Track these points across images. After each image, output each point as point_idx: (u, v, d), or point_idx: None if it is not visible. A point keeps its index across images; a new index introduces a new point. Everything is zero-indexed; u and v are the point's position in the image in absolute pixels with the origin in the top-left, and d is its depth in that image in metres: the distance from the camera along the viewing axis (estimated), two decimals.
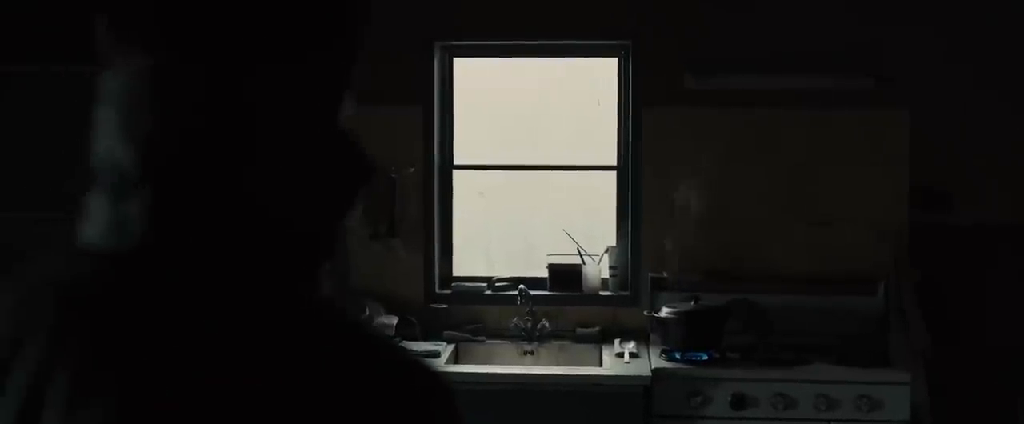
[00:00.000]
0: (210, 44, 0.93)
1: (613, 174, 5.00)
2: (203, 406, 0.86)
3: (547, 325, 4.77)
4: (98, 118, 0.97)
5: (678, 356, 4.38)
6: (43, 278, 0.98)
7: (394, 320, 4.66)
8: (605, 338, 4.74)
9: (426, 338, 4.70)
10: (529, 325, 4.75)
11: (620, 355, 4.47)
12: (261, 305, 0.92)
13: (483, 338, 4.81)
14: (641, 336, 4.68)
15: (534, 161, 5.09)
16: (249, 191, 0.94)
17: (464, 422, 0.95)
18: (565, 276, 4.89)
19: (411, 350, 1.04)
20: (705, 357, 4.36)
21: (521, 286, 4.80)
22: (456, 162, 5.07)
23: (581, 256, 4.91)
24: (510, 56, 5.10)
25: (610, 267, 4.91)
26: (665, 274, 4.76)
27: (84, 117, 1.00)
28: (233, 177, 0.93)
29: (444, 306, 4.90)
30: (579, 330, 4.81)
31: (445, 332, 4.77)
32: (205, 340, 0.89)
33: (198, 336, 0.89)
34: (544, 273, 4.94)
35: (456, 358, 4.67)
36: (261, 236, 0.94)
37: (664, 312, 4.47)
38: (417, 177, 4.89)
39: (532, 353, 4.73)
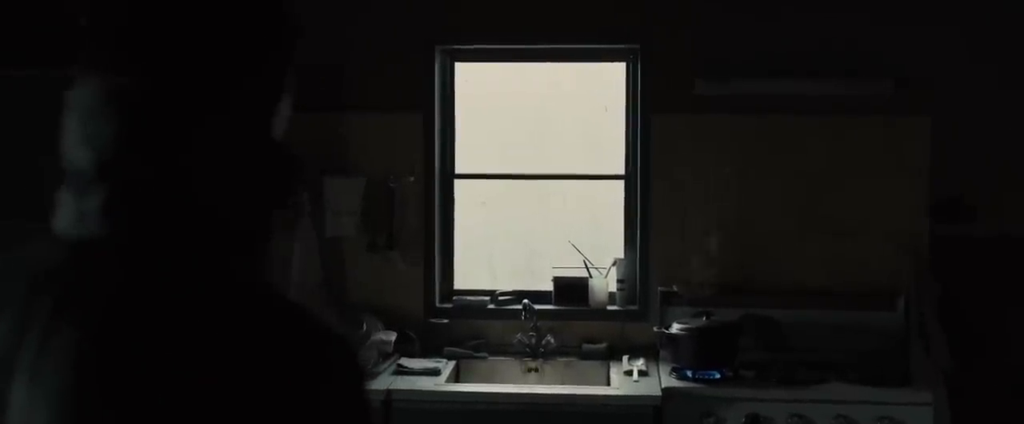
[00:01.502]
0: (160, 65, 1.14)
1: (621, 183, 4.87)
2: (144, 359, 1.06)
3: (552, 341, 4.66)
4: (65, 124, 1.17)
5: (689, 374, 4.26)
6: (14, 263, 1.18)
7: (392, 335, 4.55)
8: (613, 355, 4.62)
9: (426, 354, 4.61)
10: (533, 341, 4.64)
11: (629, 373, 4.36)
12: (195, 280, 1.13)
13: (485, 354, 4.70)
14: (650, 353, 4.57)
15: (538, 170, 4.97)
16: (187, 188, 1.14)
17: (366, 385, 1.19)
18: (571, 290, 4.78)
19: (326, 321, 1.18)
20: (718, 375, 4.24)
21: (525, 300, 4.70)
22: (458, 171, 4.97)
23: (587, 269, 4.79)
24: (514, 61, 4.97)
25: (618, 280, 4.79)
26: (675, 288, 4.64)
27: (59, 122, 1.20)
28: (174, 176, 1.14)
29: (445, 321, 4.79)
30: (585, 346, 4.68)
31: (446, 348, 4.67)
32: (148, 308, 1.09)
33: (142, 305, 1.09)
34: (549, 286, 4.83)
35: (457, 376, 4.55)
36: (197, 224, 1.15)
37: (674, 328, 4.36)
38: (417, 186, 4.78)
39: (536, 370, 4.62)
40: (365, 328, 4.48)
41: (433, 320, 4.81)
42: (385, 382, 4.21)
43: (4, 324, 1.12)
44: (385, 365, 4.41)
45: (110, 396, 1.05)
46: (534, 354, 4.63)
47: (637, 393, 4.13)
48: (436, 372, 4.37)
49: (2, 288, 1.15)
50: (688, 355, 4.29)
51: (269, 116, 1.21)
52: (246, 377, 1.07)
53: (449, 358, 4.59)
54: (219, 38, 1.16)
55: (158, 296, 1.10)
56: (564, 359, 4.66)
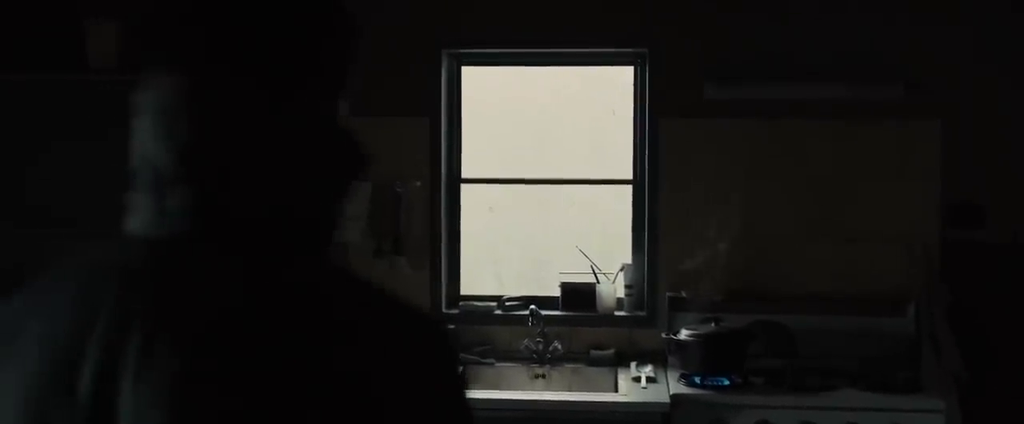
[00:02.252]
0: (241, 61, 1.16)
1: (629, 188, 4.83)
2: (264, 352, 1.06)
3: (559, 347, 4.63)
4: (137, 125, 1.18)
5: (698, 381, 4.23)
6: (99, 264, 1.17)
7: None
8: (620, 361, 4.59)
9: None
10: (540, 347, 4.61)
11: (637, 379, 4.33)
12: (286, 274, 1.14)
13: (492, 360, 4.67)
14: (659, 359, 4.53)
15: (546, 174, 4.93)
16: (268, 181, 1.16)
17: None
18: (578, 295, 4.74)
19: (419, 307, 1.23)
20: (727, 382, 4.21)
21: (532, 306, 4.67)
22: (464, 175, 4.94)
23: (595, 274, 4.74)
24: (521, 65, 4.94)
25: (626, 286, 4.75)
26: (684, 293, 4.60)
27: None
28: (255, 171, 1.16)
29: (451, 326, 4.74)
30: (593, 352, 4.65)
31: None
32: (247, 306, 1.10)
33: (241, 303, 1.10)
34: (556, 292, 4.79)
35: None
36: (279, 218, 1.17)
37: (683, 334, 4.34)
38: (423, 191, 4.75)
39: (544, 376, 4.59)
40: None
41: None
42: None
43: (101, 326, 1.09)
44: None
45: (231, 392, 1.05)
46: (541, 360, 4.60)
47: (645, 400, 4.10)
48: None
49: (89, 290, 1.13)
50: (697, 361, 4.26)
51: (334, 109, 1.23)
52: (366, 364, 1.09)
53: None
54: (292, 34, 1.19)
55: (268, 289, 1.12)
56: (571, 365, 4.62)
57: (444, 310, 4.81)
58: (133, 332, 1.08)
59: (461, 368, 1.04)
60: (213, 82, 1.16)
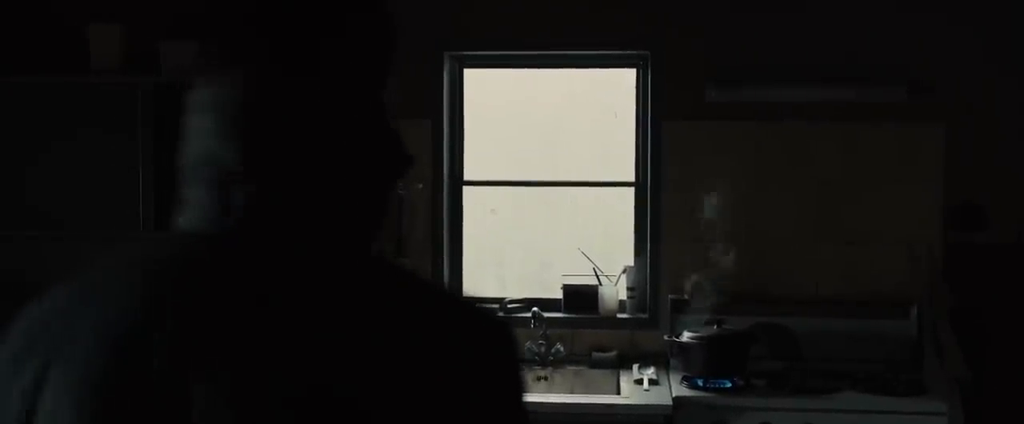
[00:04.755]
0: (298, 62, 1.18)
1: (631, 190, 4.82)
2: (323, 353, 1.07)
3: (561, 349, 4.63)
4: (194, 123, 1.20)
5: (700, 383, 4.22)
6: (161, 259, 1.17)
7: None
8: (623, 363, 4.58)
9: None
10: (543, 349, 4.60)
11: (639, 382, 4.32)
12: (354, 264, 1.18)
13: None
14: (661, 361, 4.53)
15: (548, 177, 4.92)
16: (323, 179, 1.18)
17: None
18: (580, 297, 4.74)
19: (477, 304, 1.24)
20: (729, 384, 4.20)
21: (534, 308, 4.66)
22: (467, 178, 4.93)
23: (597, 276, 4.73)
24: (523, 67, 4.93)
25: (628, 288, 4.74)
26: (686, 296, 4.59)
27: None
28: (314, 168, 1.18)
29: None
30: (595, 355, 4.64)
31: None
32: (317, 297, 1.11)
33: (310, 294, 1.11)
34: (559, 294, 4.78)
35: None
36: (334, 214, 1.19)
37: (685, 336, 4.33)
38: (426, 193, 4.74)
39: (546, 379, 4.58)
40: None
41: None
42: None
43: (168, 321, 1.09)
44: None
45: (293, 386, 1.06)
46: (543, 362, 4.59)
47: (647, 402, 4.09)
48: None
49: (151, 284, 1.14)
50: (699, 364, 4.25)
51: (383, 108, 1.26)
52: (433, 358, 1.10)
53: None
54: (347, 34, 1.21)
55: (330, 283, 1.14)
56: (573, 367, 4.62)
57: None
58: (199, 326, 1.09)
59: (520, 367, 1.15)
60: (275, 80, 1.18)
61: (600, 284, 4.74)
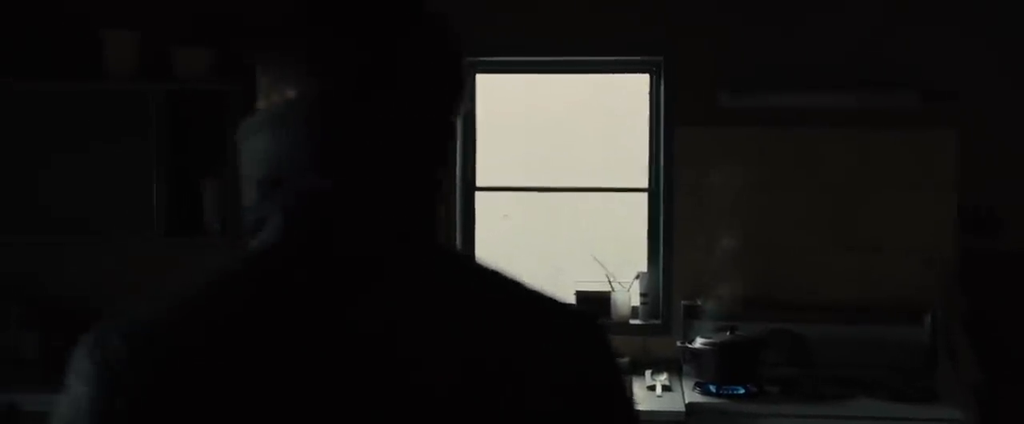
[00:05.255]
0: (381, 75, 1.19)
1: (644, 196, 4.81)
2: (428, 353, 1.12)
3: None
4: (274, 136, 1.18)
5: (713, 390, 4.21)
6: (257, 274, 1.15)
7: None
8: (635, 370, 4.56)
9: None
10: None
11: (651, 388, 4.31)
12: (461, 265, 1.25)
13: None
14: (673, 368, 4.52)
15: (561, 183, 4.91)
16: (403, 187, 1.20)
17: None
18: (593, 303, 4.72)
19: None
20: (742, 391, 4.19)
21: None
22: (479, 183, 4.92)
23: (610, 283, 4.73)
24: (536, 72, 4.93)
25: (641, 294, 4.74)
26: (699, 302, 4.58)
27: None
28: (395, 177, 1.19)
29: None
30: None
31: None
32: (417, 303, 1.15)
33: (412, 300, 1.15)
34: (571, 300, 4.72)
35: None
36: (412, 220, 1.20)
37: (698, 342, 4.32)
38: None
39: None
40: None
41: None
42: None
43: (303, 334, 1.10)
44: None
45: (419, 387, 1.10)
46: None
47: (660, 408, 4.08)
48: None
49: (257, 299, 1.12)
50: (712, 370, 4.24)
51: (451, 125, 1.27)
52: (546, 353, 1.17)
53: None
54: (426, 48, 1.24)
55: (444, 281, 1.19)
56: None
57: None
58: (319, 336, 1.10)
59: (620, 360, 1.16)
60: (358, 92, 1.18)
61: (613, 290, 4.73)
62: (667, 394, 4.24)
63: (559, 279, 4.91)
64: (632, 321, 4.74)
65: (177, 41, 4.55)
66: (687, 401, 4.10)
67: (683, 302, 4.61)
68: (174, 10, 4.69)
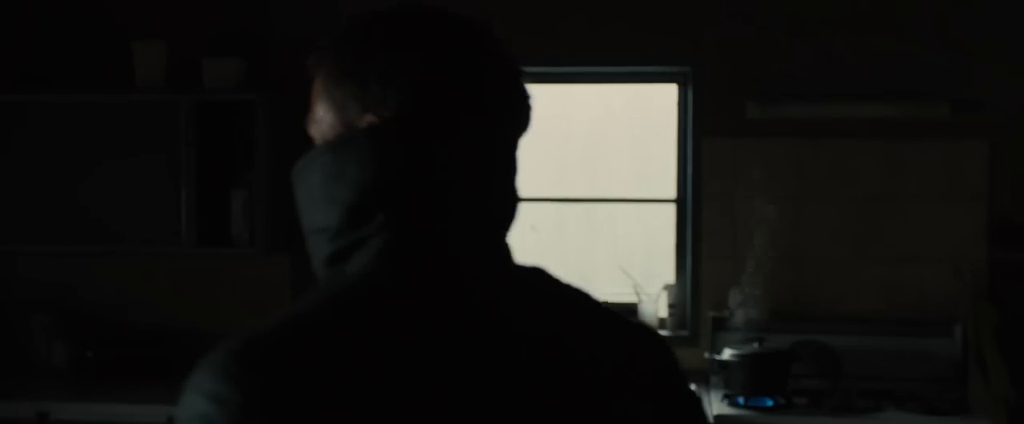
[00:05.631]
0: (465, 102, 1.20)
1: (671, 207, 4.79)
2: (549, 373, 1.13)
3: None
4: (368, 163, 1.16)
5: (741, 401, 4.18)
6: (374, 294, 1.13)
7: None
8: None
9: None
10: None
11: None
12: (557, 286, 1.27)
13: None
14: (701, 379, 4.49)
15: (588, 194, 4.90)
16: (489, 213, 1.24)
17: None
18: None
19: None
20: (770, 403, 4.16)
21: None
22: None
23: (637, 294, 4.71)
24: (563, 83, 4.92)
25: (668, 305, 4.71)
26: (727, 313, 4.54)
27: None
28: (483, 204, 1.22)
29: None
30: None
31: None
32: (549, 315, 1.21)
33: (544, 313, 1.20)
34: None
35: None
36: (494, 243, 1.25)
37: (726, 354, 4.29)
38: None
39: None
40: None
41: None
42: None
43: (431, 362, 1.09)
44: None
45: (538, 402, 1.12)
46: None
47: None
48: None
49: (380, 318, 1.10)
50: (740, 382, 4.21)
51: (522, 129, 1.30)
52: (639, 365, 1.22)
53: None
54: (501, 76, 1.27)
55: (546, 302, 1.22)
56: None
57: None
58: (460, 350, 1.10)
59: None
60: (453, 117, 1.19)
61: (640, 301, 4.71)
62: None
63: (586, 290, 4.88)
64: (660, 332, 4.70)
65: (206, 52, 4.58)
66: (715, 413, 4.08)
67: (711, 313, 4.59)
68: (203, 21, 4.72)
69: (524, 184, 1.34)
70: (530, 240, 4.97)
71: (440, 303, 1.13)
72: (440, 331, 1.11)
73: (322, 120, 1.22)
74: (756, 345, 4.28)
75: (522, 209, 1.34)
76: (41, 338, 4.71)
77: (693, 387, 1.31)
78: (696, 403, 1.29)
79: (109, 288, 4.84)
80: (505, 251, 1.26)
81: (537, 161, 4.95)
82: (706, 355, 4.41)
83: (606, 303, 1.28)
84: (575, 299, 1.27)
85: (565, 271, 4.70)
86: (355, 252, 1.18)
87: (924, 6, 4.54)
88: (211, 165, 4.53)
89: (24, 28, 4.79)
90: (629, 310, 4.69)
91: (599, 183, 4.94)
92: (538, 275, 1.27)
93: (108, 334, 4.71)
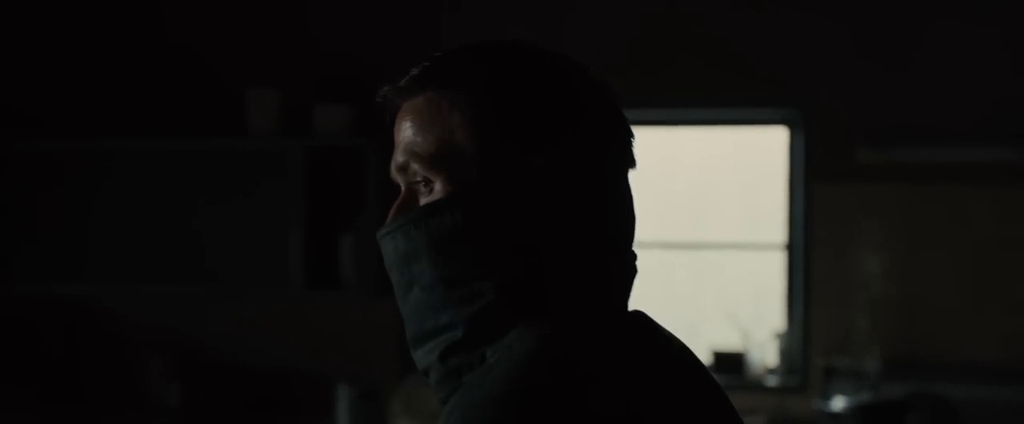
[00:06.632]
0: (613, 141, 1.33)
1: (780, 253, 4.72)
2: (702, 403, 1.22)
3: None
4: (506, 214, 1.20)
5: None
6: (593, 332, 1.23)
7: None
8: None
9: None
10: None
11: None
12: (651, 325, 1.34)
13: None
14: None
15: (696, 239, 4.85)
16: (598, 247, 1.29)
17: None
18: (729, 362, 4.64)
19: None
20: None
21: None
22: None
23: (745, 341, 4.63)
24: (669, 125, 4.90)
25: (778, 352, 4.62)
26: (838, 362, 4.44)
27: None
28: (590, 238, 1.29)
29: None
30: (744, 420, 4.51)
31: None
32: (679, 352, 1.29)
33: (664, 360, 1.26)
34: (707, 360, 4.68)
35: None
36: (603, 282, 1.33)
37: (837, 403, 4.20)
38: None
39: None
40: None
41: None
42: None
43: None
44: None
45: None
46: None
47: None
48: None
49: (620, 351, 1.23)
50: None
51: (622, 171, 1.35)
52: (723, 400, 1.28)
53: None
54: (601, 112, 1.32)
55: (652, 347, 1.28)
56: None
57: None
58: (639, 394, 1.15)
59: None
60: (601, 157, 1.27)
61: (747, 349, 4.64)
62: None
63: (694, 336, 4.84)
64: (768, 380, 4.64)
65: (316, 98, 4.66)
66: None
67: (821, 361, 4.50)
68: (314, 69, 4.81)
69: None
70: (636, 286, 4.92)
71: (647, 342, 1.26)
72: (667, 369, 1.23)
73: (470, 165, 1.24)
74: (868, 395, 4.18)
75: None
76: (156, 379, 4.80)
77: None
78: None
79: (221, 330, 4.93)
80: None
81: (644, 206, 4.93)
82: (816, 405, 4.32)
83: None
84: (673, 338, 1.37)
85: (671, 318, 4.65)
86: (519, 287, 1.21)
87: None
88: (321, 210, 4.60)
89: (146, 78, 4.93)
90: (735, 359, 4.63)
91: (706, 228, 4.89)
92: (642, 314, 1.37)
93: (220, 375, 4.81)
